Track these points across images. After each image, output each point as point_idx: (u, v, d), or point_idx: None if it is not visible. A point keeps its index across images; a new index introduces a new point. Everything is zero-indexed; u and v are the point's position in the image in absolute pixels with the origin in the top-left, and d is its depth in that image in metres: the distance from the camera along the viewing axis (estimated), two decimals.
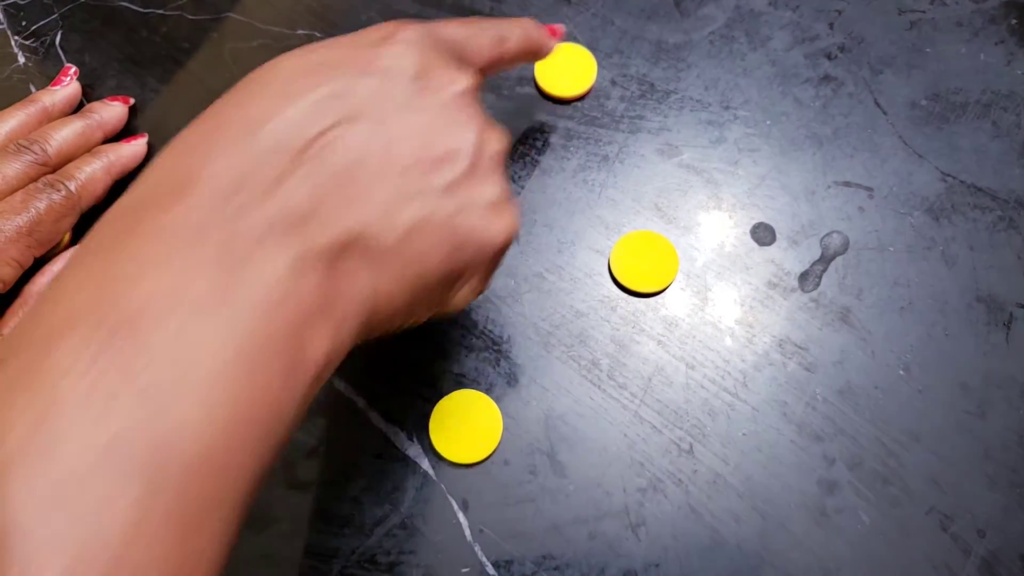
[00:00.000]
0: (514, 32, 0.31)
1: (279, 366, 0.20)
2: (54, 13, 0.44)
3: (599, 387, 0.35)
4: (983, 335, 0.35)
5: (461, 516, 0.33)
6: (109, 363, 0.17)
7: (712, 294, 0.36)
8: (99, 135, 0.39)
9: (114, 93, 0.41)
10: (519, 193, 0.38)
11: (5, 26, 0.43)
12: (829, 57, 0.40)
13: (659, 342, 0.35)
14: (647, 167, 0.39)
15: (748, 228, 0.37)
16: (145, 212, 0.20)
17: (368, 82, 0.24)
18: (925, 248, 0.36)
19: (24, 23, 0.43)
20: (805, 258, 0.36)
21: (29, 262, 0.34)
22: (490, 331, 0.36)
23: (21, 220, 0.34)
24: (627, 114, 0.40)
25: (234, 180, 0.20)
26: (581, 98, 0.40)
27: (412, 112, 0.24)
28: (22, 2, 0.44)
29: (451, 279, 0.25)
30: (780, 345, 0.35)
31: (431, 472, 0.34)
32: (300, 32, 0.42)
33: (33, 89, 0.42)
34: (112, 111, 0.40)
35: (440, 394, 0.35)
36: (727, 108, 0.40)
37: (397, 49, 0.25)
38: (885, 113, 0.39)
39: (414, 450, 0.34)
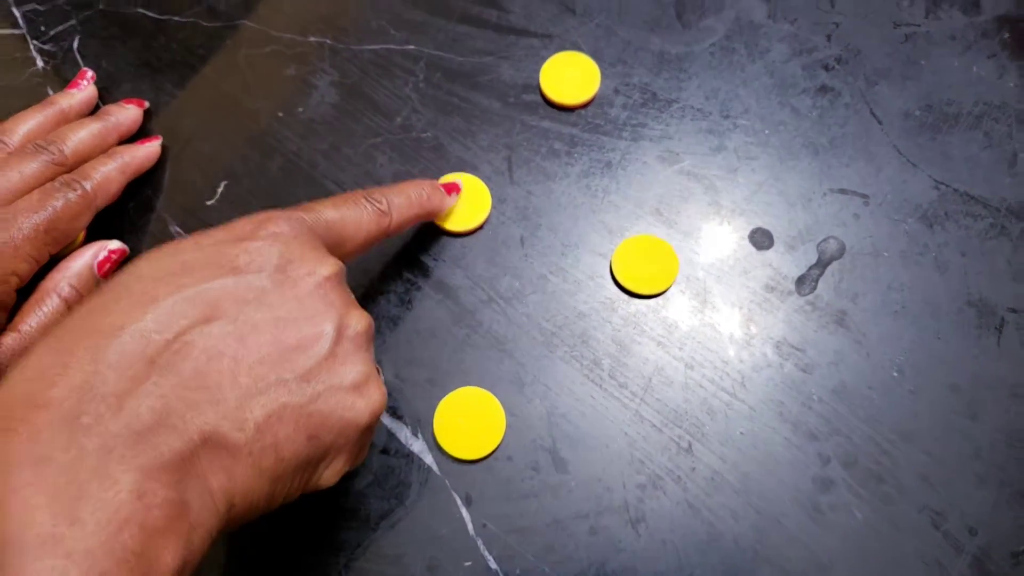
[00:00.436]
0: (397, 202, 0.33)
1: None
2: (72, 19, 0.45)
3: (600, 386, 0.36)
4: (974, 338, 0.36)
5: (464, 511, 0.34)
6: None
7: (711, 297, 0.37)
8: (114, 137, 0.40)
9: (129, 97, 0.43)
10: (525, 197, 0.39)
11: (24, 31, 0.45)
12: (826, 68, 0.42)
13: (659, 343, 0.36)
14: (649, 173, 0.40)
15: (746, 233, 0.38)
16: None
17: (224, 282, 0.25)
18: (918, 254, 0.37)
19: (43, 28, 0.45)
20: (802, 262, 0.37)
21: (45, 258, 0.35)
22: (495, 331, 0.37)
23: (38, 218, 0.35)
24: (629, 122, 0.41)
25: (81, 400, 0.21)
26: (585, 106, 0.41)
27: (266, 307, 0.25)
28: (41, 8, 0.45)
29: (312, 462, 0.26)
30: (777, 347, 0.36)
31: (435, 468, 0.34)
32: (312, 39, 0.44)
33: (51, 92, 0.43)
34: (127, 114, 0.41)
35: (445, 391, 0.36)
36: (727, 117, 0.41)
37: (259, 244, 0.26)
38: (880, 123, 0.40)
39: (419, 446, 0.35)
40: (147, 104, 0.42)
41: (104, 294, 0.25)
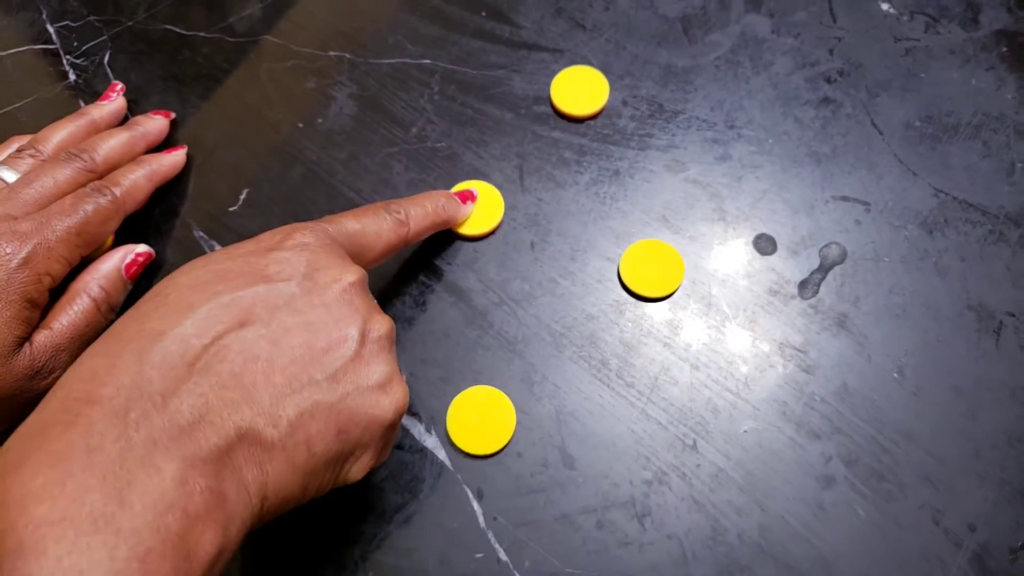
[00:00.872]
0: (414, 213, 0.35)
1: (167, 569, 0.22)
2: (103, 35, 0.47)
3: (608, 385, 0.37)
4: (974, 341, 0.37)
5: (476, 505, 0.35)
6: None
7: (716, 300, 0.38)
8: (142, 145, 0.42)
9: (157, 108, 0.45)
10: (536, 204, 0.41)
11: (58, 46, 0.47)
12: (828, 81, 0.43)
13: (665, 344, 0.38)
14: (655, 181, 0.41)
15: (750, 239, 0.40)
16: (46, 435, 0.23)
17: (256, 289, 0.27)
18: (919, 259, 0.39)
19: (75, 43, 0.47)
20: (804, 267, 0.39)
21: (77, 260, 0.37)
22: (506, 332, 0.38)
23: (71, 221, 0.36)
24: (637, 132, 0.43)
25: (129, 398, 0.23)
26: (594, 117, 0.43)
27: (296, 312, 0.27)
28: (74, 24, 0.48)
29: (341, 458, 0.28)
30: (780, 348, 0.37)
31: (448, 463, 0.36)
32: (331, 53, 0.46)
33: (82, 104, 0.45)
34: (155, 124, 0.43)
35: (457, 390, 0.37)
36: (731, 127, 0.42)
37: (287, 254, 0.29)
38: (881, 133, 0.42)
39: (432, 442, 0.36)
40: (173, 115, 0.44)
41: (147, 303, 0.27)
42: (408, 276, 0.40)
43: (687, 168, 0.42)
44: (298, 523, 0.35)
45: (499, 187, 0.41)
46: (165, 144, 0.44)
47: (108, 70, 0.46)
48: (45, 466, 0.22)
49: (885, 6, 0.45)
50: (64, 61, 0.47)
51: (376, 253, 0.34)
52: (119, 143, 0.41)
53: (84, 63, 0.47)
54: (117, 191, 0.39)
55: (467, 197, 0.40)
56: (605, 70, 0.44)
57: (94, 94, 0.45)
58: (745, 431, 0.36)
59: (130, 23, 0.48)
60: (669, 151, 0.42)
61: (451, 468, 0.36)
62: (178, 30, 0.47)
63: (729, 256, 0.39)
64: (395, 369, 0.29)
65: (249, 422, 0.25)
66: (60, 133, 0.41)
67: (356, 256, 0.32)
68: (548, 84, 0.44)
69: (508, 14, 0.46)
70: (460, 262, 0.40)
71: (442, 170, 0.42)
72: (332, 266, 0.29)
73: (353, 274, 0.29)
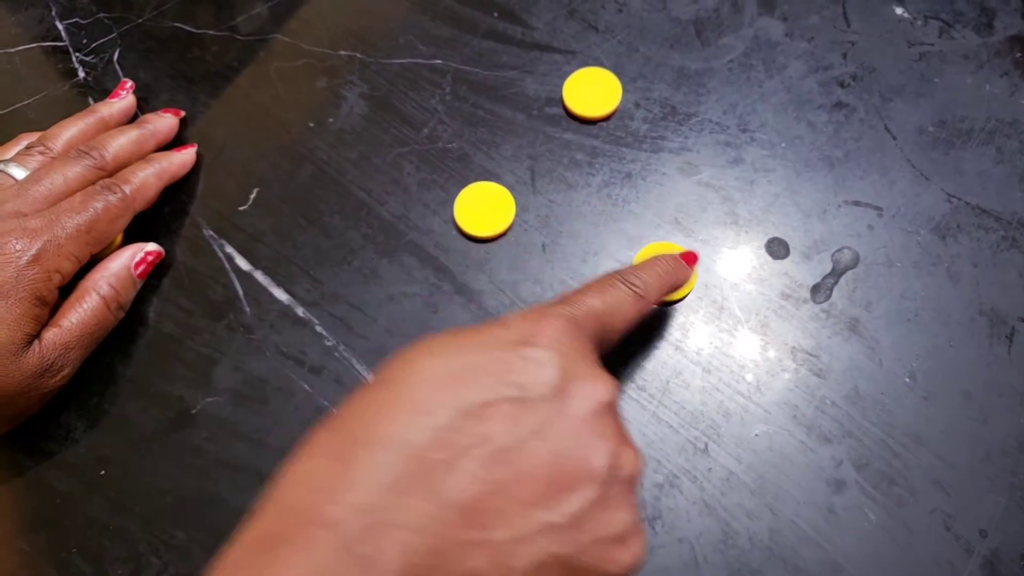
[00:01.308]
0: (650, 282, 0.33)
1: None
2: (113, 32, 0.48)
3: (620, 388, 0.38)
4: (986, 347, 0.38)
5: None
6: None
7: (728, 304, 0.39)
8: (152, 143, 0.43)
9: (166, 107, 0.46)
10: (548, 206, 0.42)
11: (67, 43, 0.48)
12: (842, 85, 0.44)
13: (677, 347, 0.39)
14: (668, 184, 0.42)
15: (763, 243, 0.41)
16: (274, 556, 0.22)
17: (504, 399, 0.25)
18: (931, 264, 0.40)
19: (85, 41, 0.48)
20: (817, 271, 0.40)
21: (86, 258, 0.38)
22: None
23: (80, 219, 0.37)
24: (650, 135, 0.44)
25: (362, 527, 0.22)
26: (606, 119, 0.44)
27: (544, 437, 0.25)
28: (83, 22, 0.49)
29: None
30: (792, 352, 0.38)
31: None
32: (342, 53, 0.47)
33: (92, 101, 0.46)
34: (164, 122, 0.44)
35: None
36: (744, 131, 0.43)
37: (539, 353, 0.26)
38: (894, 138, 0.43)
39: None
40: (183, 113, 0.45)
41: (380, 389, 0.25)
42: (419, 277, 0.41)
43: (700, 171, 0.43)
44: None
45: (510, 189, 0.42)
46: (175, 143, 0.45)
47: (117, 68, 0.47)
48: None
49: (899, 11, 0.46)
50: (73, 58, 0.48)
51: (617, 335, 0.31)
52: (129, 141, 0.42)
53: (93, 60, 0.48)
54: (127, 189, 0.39)
55: (691, 260, 0.37)
56: (617, 72, 0.45)
57: (103, 92, 0.46)
58: (756, 435, 0.37)
59: (139, 20, 0.49)
60: (682, 154, 0.43)
61: None
62: (188, 28, 0.48)
63: (741, 260, 0.40)
64: (637, 518, 0.27)
65: (482, 573, 0.23)
66: (70, 130, 0.41)
67: (599, 341, 0.30)
68: (560, 85, 0.45)
69: (520, 15, 0.47)
70: (471, 264, 0.41)
71: (453, 171, 0.43)
72: (584, 376, 0.27)
73: (607, 391, 0.27)
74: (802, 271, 0.40)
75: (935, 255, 0.40)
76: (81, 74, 0.47)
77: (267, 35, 0.48)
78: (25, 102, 0.47)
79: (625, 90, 0.45)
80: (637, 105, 0.45)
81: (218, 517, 0.37)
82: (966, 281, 0.39)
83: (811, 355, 0.38)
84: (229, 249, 0.42)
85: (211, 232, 0.43)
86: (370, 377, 0.39)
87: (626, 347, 0.39)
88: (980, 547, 0.34)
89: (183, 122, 0.45)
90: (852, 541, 0.35)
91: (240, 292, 0.41)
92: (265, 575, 0.21)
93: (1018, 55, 0.45)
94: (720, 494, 0.36)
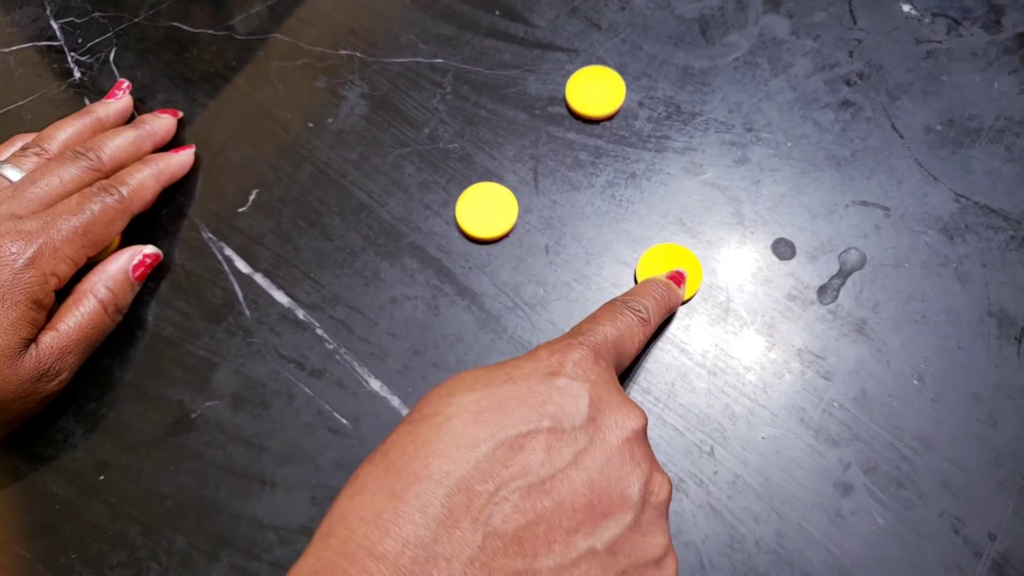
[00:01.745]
0: (650, 306, 0.35)
1: None
2: (109, 32, 0.49)
3: (625, 391, 0.38)
4: (994, 348, 0.38)
5: None
6: None
7: (734, 305, 0.40)
8: (149, 145, 0.44)
9: (164, 107, 0.46)
10: (551, 207, 0.43)
11: (62, 43, 0.49)
12: (848, 83, 0.45)
13: (682, 349, 0.39)
14: (673, 184, 0.43)
15: (769, 243, 0.41)
16: None
17: (541, 429, 0.27)
18: (939, 265, 0.40)
19: (80, 40, 0.49)
20: (824, 272, 0.40)
21: (83, 261, 0.39)
22: (520, 336, 0.40)
23: (77, 221, 0.38)
24: (654, 134, 0.44)
25: (415, 559, 0.23)
26: (610, 118, 0.45)
27: (581, 467, 0.27)
28: (79, 21, 0.49)
29: None
30: (799, 354, 0.39)
31: None
32: (342, 52, 0.47)
33: (87, 102, 0.47)
34: (162, 123, 0.44)
35: None
36: (750, 130, 0.44)
37: (568, 383, 0.28)
38: (902, 137, 0.43)
39: None
40: (181, 114, 0.46)
41: (424, 424, 0.27)
42: (421, 279, 0.41)
43: (705, 171, 0.43)
44: (317, 518, 0.36)
45: (513, 189, 0.43)
46: (172, 143, 0.45)
47: (114, 68, 0.48)
48: None
49: (907, 8, 0.47)
50: (68, 58, 0.48)
51: (629, 359, 0.34)
52: (126, 142, 0.42)
53: (89, 60, 0.48)
54: (124, 190, 0.40)
55: (680, 281, 0.39)
56: (621, 71, 0.46)
57: (99, 92, 0.47)
58: (763, 437, 0.37)
59: (136, 20, 0.49)
60: (686, 153, 0.44)
61: None
62: (185, 27, 0.49)
63: (747, 261, 0.41)
64: (670, 540, 0.29)
65: None
66: (65, 131, 0.42)
67: (620, 361, 0.33)
68: (563, 84, 0.46)
69: (522, 13, 0.48)
70: (473, 265, 0.42)
71: (455, 171, 0.44)
72: (614, 407, 0.29)
73: (636, 419, 0.29)
74: (808, 272, 0.41)
75: (943, 255, 0.41)
76: (77, 74, 0.48)
77: (266, 34, 0.49)
78: (20, 103, 0.47)
79: (629, 89, 0.45)
80: (641, 104, 0.45)
81: (218, 522, 0.37)
82: (975, 282, 0.40)
83: (818, 357, 0.39)
84: (228, 251, 0.43)
85: (210, 234, 0.43)
86: (375, 383, 0.39)
87: None
88: (989, 550, 0.35)
89: (181, 123, 0.46)
90: (860, 545, 0.35)
91: (240, 295, 0.42)
92: None
93: None
94: (726, 498, 0.36)
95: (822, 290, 0.40)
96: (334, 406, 0.39)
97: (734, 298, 0.40)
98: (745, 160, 0.43)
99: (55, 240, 0.37)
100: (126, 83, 0.46)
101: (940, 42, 0.46)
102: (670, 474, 0.37)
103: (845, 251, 0.41)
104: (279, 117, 0.46)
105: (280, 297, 0.42)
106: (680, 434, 0.38)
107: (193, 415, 0.39)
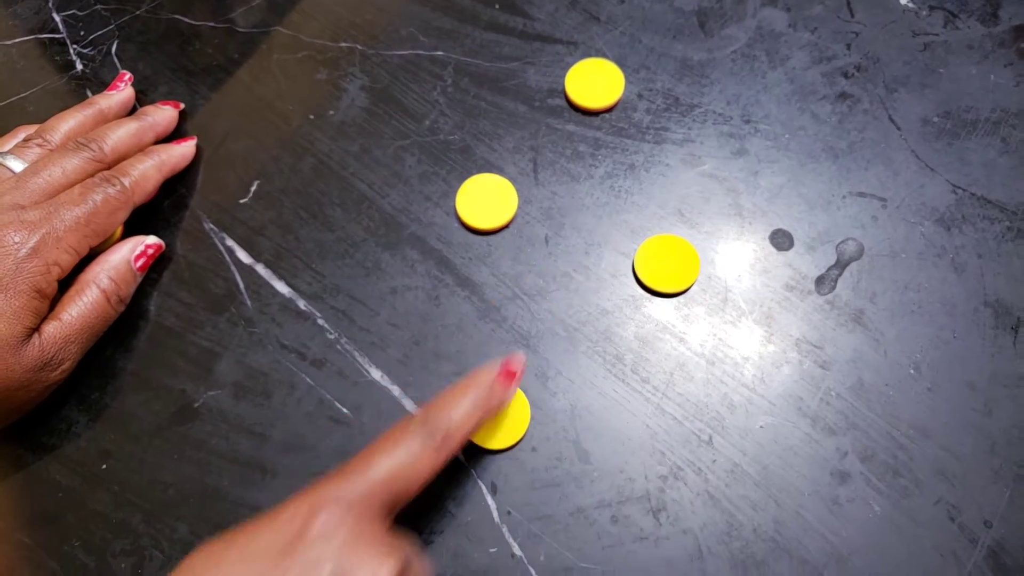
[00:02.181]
0: (454, 423, 0.32)
1: None
2: (111, 24, 0.49)
3: (623, 380, 0.38)
4: (990, 338, 0.38)
5: (490, 499, 0.37)
6: None
7: (732, 295, 0.40)
8: (151, 136, 0.43)
9: (165, 99, 0.46)
10: (550, 198, 0.43)
11: (65, 35, 0.48)
12: (846, 76, 0.45)
13: (680, 339, 0.39)
14: (671, 175, 0.43)
15: (767, 234, 0.41)
16: None
17: None
18: (936, 255, 0.40)
19: (82, 33, 0.48)
20: (821, 263, 0.40)
21: (85, 251, 0.38)
22: (520, 326, 0.40)
23: (79, 211, 0.38)
24: (652, 126, 0.44)
25: None
26: (609, 110, 0.45)
27: None
28: (81, 14, 0.49)
29: None
30: (796, 344, 0.39)
31: (462, 457, 0.37)
32: (343, 44, 0.47)
33: (89, 94, 0.47)
34: (164, 114, 0.44)
35: None
36: (748, 122, 0.44)
37: (312, 555, 0.27)
38: (899, 129, 0.43)
39: None
40: (182, 105, 0.46)
41: None
42: (421, 270, 0.41)
43: (703, 162, 0.43)
44: None
45: (513, 180, 0.43)
46: (174, 135, 0.45)
47: (116, 60, 0.48)
48: None
49: (904, 0, 0.47)
50: (71, 50, 0.48)
51: (416, 489, 0.31)
52: (128, 133, 0.42)
53: (91, 52, 0.48)
54: (126, 181, 0.40)
55: (510, 377, 0.34)
56: (620, 63, 0.45)
57: (101, 84, 0.47)
58: (761, 426, 0.37)
59: (138, 12, 0.49)
60: (685, 145, 0.44)
61: (465, 463, 0.37)
62: (187, 20, 0.49)
63: (745, 251, 0.41)
64: None
65: None
66: (68, 122, 0.42)
67: (396, 501, 0.30)
68: (562, 77, 0.45)
69: (522, 6, 0.48)
70: (473, 256, 0.42)
71: (455, 163, 0.44)
72: (364, 563, 0.27)
73: (389, 570, 0.27)
74: (806, 262, 0.41)
75: (940, 246, 0.40)
76: (79, 66, 0.48)
77: (267, 27, 0.48)
78: (22, 94, 0.47)
79: (628, 81, 0.45)
80: (640, 96, 0.45)
81: (220, 510, 0.37)
82: (971, 272, 0.40)
83: (815, 347, 0.39)
84: (230, 242, 0.43)
85: (211, 225, 0.43)
86: (376, 373, 0.39)
87: (629, 340, 0.39)
88: (985, 537, 0.35)
89: (182, 115, 0.46)
90: (857, 532, 0.35)
91: (241, 285, 0.42)
92: None
93: (1022, 45, 0.45)
94: (724, 486, 0.36)
95: (820, 280, 0.40)
96: (335, 395, 0.39)
97: (732, 288, 0.40)
98: (743, 152, 0.43)
99: (58, 230, 0.37)
100: (128, 75, 0.46)
101: (937, 35, 0.46)
102: (669, 463, 0.37)
103: (842, 242, 0.41)
104: (280, 109, 0.46)
105: (281, 287, 0.41)
106: (679, 423, 0.38)
107: (195, 404, 0.39)
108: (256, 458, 0.38)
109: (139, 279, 0.41)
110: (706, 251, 0.41)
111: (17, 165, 0.39)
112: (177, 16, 0.49)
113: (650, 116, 0.44)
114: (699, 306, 0.40)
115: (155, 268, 0.42)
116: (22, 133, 0.42)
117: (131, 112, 0.45)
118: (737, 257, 0.41)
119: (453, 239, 0.42)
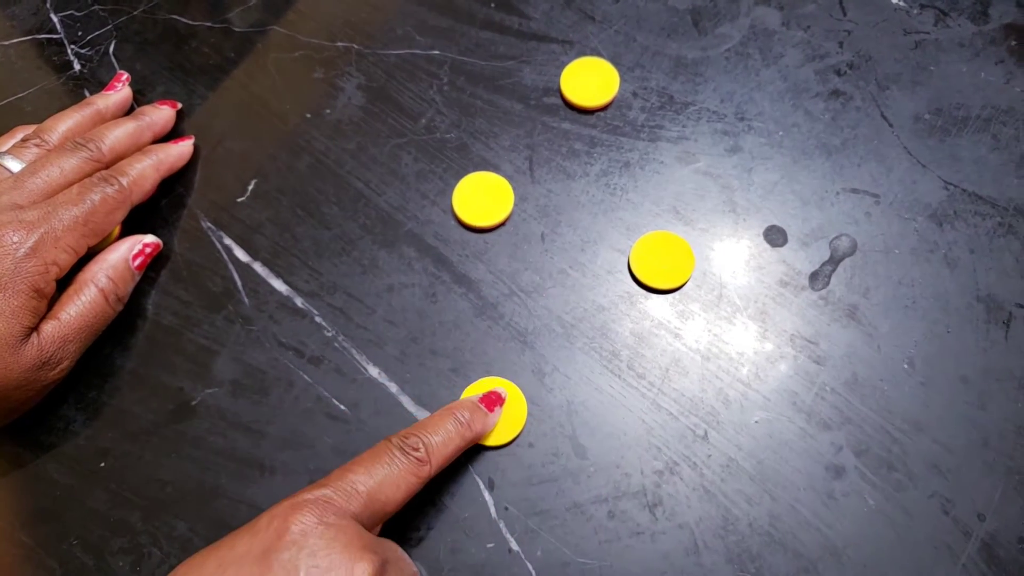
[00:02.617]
0: (435, 444, 0.32)
1: None
2: (108, 24, 0.48)
3: (619, 376, 0.38)
4: (983, 332, 0.38)
5: (487, 495, 0.36)
6: None
7: (727, 291, 0.40)
8: (149, 135, 0.43)
9: (163, 99, 0.46)
10: (546, 195, 0.42)
11: (62, 36, 0.48)
12: (838, 73, 0.45)
13: (676, 335, 0.39)
14: (666, 173, 0.43)
15: (761, 231, 0.41)
16: None
17: None
18: (928, 251, 0.40)
19: (80, 33, 0.48)
20: (815, 259, 0.40)
21: (83, 250, 0.38)
22: (516, 323, 0.40)
23: (77, 211, 0.37)
24: (647, 124, 0.44)
25: None
26: (604, 108, 0.44)
27: None
28: (79, 14, 0.49)
29: None
30: (791, 339, 0.39)
31: None
32: (339, 44, 0.47)
33: (87, 94, 0.46)
34: (161, 114, 0.44)
35: (468, 381, 0.38)
36: (742, 119, 0.44)
37: (286, 559, 0.27)
38: (891, 126, 0.43)
39: None
40: (180, 105, 0.45)
41: None
42: (418, 267, 0.41)
43: (697, 160, 0.43)
44: None
45: (509, 178, 0.43)
46: (172, 135, 0.45)
47: (113, 60, 0.47)
48: None
49: None
50: (68, 51, 0.48)
51: (396, 505, 0.31)
52: (125, 133, 0.42)
53: (89, 53, 0.48)
54: (124, 181, 0.39)
55: (494, 403, 0.36)
56: (615, 62, 0.45)
57: (99, 84, 0.46)
58: (756, 421, 0.37)
59: (135, 13, 0.49)
60: (679, 143, 0.43)
61: (462, 458, 0.37)
62: (184, 20, 0.48)
63: (740, 248, 0.41)
64: None
65: None
66: (66, 122, 0.41)
67: (373, 515, 0.30)
68: (558, 75, 0.45)
69: (517, 5, 0.48)
70: (470, 253, 0.41)
71: (451, 161, 0.43)
72: (340, 565, 0.27)
73: (363, 570, 0.27)
74: (800, 259, 0.40)
75: (932, 242, 0.40)
76: (76, 66, 0.47)
77: (264, 27, 0.48)
78: (20, 95, 0.47)
79: (623, 79, 0.45)
80: (635, 94, 0.45)
81: (218, 508, 0.37)
82: (963, 267, 0.40)
83: (810, 342, 0.39)
84: (227, 240, 0.42)
85: (209, 224, 0.43)
86: (373, 370, 0.39)
87: (625, 337, 0.39)
88: (978, 530, 0.35)
89: (180, 114, 0.45)
90: (851, 526, 0.35)
91: (239, 283, 0.41)
92: None
93: (1013, 43, 0.45)
94: (720, 480, 0.36)
95: (814, 276, 0.40)
96: (333, 392, 0.39)
97: (727, 284, 0.40)
98: (737, 149, 0.43)
99: (56, 229, 0.36)
100: (125, 75, 0.45)
101: (928, 33, 0.46)
102: (665, 458, 0.37)
103: (836, 238, 0.41)
104: (277, 108, 0.46)
105: (279, 285, 0.41)
106: (674, 418, 0.37)
107: (193, 402, 0.39)
108: (254, 455, 0.38)
109: (137, 278, 0.40)
110: (701, 248, 0.41)
111: (15, 165, 0.38)
112: (174, 16, 0.49)
113: (645, 114, 0.44)
114: (694, 302, 0.40)
115: (153, 267, 0.42)
116: (20, 133, 0.42)
117: (129, 112, 0.45)
118: (732, 253, 0.41)
119: (450, 237, 0.42)
